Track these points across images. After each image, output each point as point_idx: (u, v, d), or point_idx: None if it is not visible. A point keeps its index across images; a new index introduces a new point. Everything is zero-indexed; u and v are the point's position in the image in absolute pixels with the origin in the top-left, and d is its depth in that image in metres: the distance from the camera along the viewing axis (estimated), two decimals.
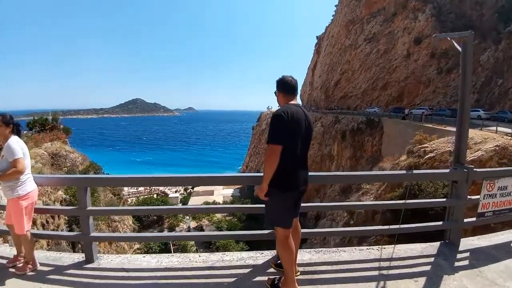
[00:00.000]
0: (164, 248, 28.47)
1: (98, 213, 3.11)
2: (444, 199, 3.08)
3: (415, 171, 2.96)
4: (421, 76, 32.40)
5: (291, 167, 2.26)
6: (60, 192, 13.46)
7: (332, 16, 59.42)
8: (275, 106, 71.40)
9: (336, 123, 34.48)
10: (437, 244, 3.06)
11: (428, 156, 13.84)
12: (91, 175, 3.49)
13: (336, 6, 58.26)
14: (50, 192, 11.97)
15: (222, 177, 3.31)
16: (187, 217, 37.77)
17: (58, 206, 8.03)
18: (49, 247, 11.15)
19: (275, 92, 2.49)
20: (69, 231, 13.99)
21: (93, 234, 2.89)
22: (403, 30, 36.42)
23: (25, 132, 25.20)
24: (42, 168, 13.41)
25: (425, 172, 3.24)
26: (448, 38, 2.89)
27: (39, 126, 23.77)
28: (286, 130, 2.17)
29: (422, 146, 14.76)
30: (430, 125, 18.86)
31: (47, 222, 11.56)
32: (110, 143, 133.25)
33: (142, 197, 43.90)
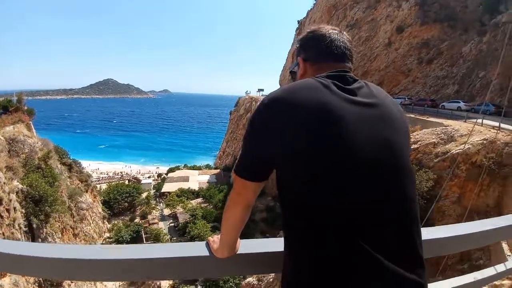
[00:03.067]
0: (136, 236, 27.24)
1: None
2: None
3: None
4: (401, 65, 32.37)
5: (338, 260, 0.78)
6: (15, 182, 11.85)
7: (314, 0, 58.27)
8: (254, 91, 69.30)
9: None
10: None
11: (412, 147, 13.49)
12: None
13: None
14: (4, 182, 10.36)
15: None
16: (161, 204, 36.49)
17: None
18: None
19: (291, 70, 1.20)
20: (27, 225, 12.55)
21: None
22: (385, 18, 35.98)
23: None
24: None
25: None
26: None
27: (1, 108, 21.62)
28: (278, 145, 0.84)
29: None
30: (412, 115, 18.65)
31: (1, 216, 10.02)
32: (77, 126, 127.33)
33: (113, 182, 41.76)
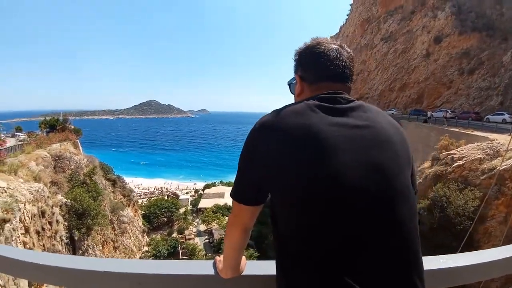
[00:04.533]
0: (173, 251, 27.85)
1: None
2: None
3: None
4: (442, 77, 30.93)
5: None
6: (60, 196, 12.80)
7: (347, 15, 58.14)
8: None
9: None
10: None
11: (457, 164, 12.68)
12: None
13: (351, 5, 56.96)
14: (48, 196, 11.26)
15: None
16: (197, 219, 37.21)
17: None
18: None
19: (289, 83, 1.15)
20: (69, 237, 13.42)
21: None
22: (422, 29, 34.93)
23: (35, 132, 25.35)
24: (42, 171, 12.85)
25: None
26: None
27: (45, 126, 23.73)
28: (265, 169, 0.84)
29: (449, 152, 13.57)
30: (456, 129, 17.66)
31: (43, 229, 10.86)
32: (122, 144, 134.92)
33: (154, 198, 43.53)
